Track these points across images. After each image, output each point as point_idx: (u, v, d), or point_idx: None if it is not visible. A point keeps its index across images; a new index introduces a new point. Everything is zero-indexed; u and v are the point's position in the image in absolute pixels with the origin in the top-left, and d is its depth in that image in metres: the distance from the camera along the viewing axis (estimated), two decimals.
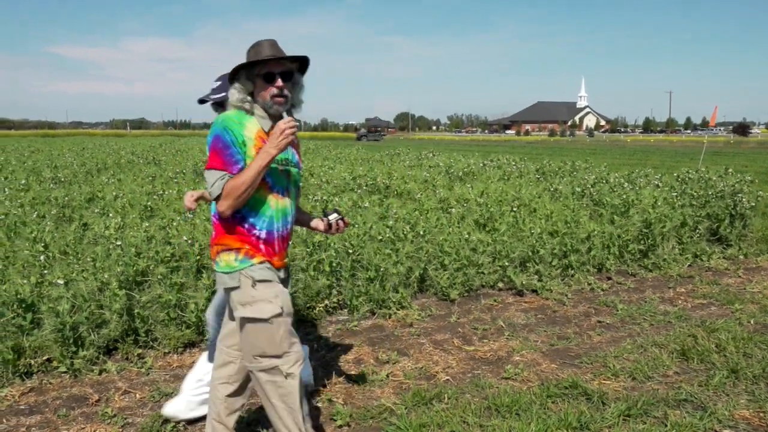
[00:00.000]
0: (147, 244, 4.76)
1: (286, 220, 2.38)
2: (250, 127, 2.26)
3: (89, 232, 5.79)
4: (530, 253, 5.55)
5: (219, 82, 2.82)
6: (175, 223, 5.64)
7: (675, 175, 9.95)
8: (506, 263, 5.36)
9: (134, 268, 4.22)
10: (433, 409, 3.07)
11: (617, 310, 4.72)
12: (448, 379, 3.49)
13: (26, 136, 59.68)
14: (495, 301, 5.00)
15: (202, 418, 3.03)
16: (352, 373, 3.56)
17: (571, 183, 9.81)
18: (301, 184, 2.62)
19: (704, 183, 8.43)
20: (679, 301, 5.00)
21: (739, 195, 7.29)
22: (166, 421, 2.96)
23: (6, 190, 8.89)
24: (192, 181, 10.11)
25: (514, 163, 13.76)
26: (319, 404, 3.19)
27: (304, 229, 3.06)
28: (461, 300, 5.01)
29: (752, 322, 4.41)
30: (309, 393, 3.21)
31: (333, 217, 2.52)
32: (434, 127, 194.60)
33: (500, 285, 5.31)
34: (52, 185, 10.55)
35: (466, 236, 5.57)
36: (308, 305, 4.53)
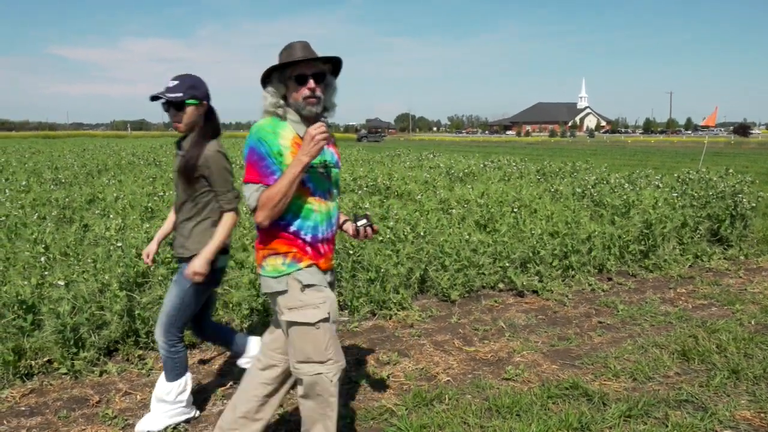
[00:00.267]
0: (147, 245, 4.75)
1: (330, 222, 2.36)
2: (285, 134, 2.23)
3: (90, 233, 5.80)
4: (531, 254, 5.55)
5: (176, 82, 2.69)
6: None
7: (675, 175, 9.95)
8: (507, 264, 5.36)
9: (135, 270, 4.22)
10: (434, 410, 3.07)
11: (618, 311, 4.72)
12: (448, 380, 3.49)
13: (27, 137, 59.81)
14: (495, 301, 5.00)
15: (206, 419, 3.04)
16: (353, 374, 3.56)
17: (571, 184, 9.81)
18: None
19: (705, 183, 8.42)
20: (680, 302, 5.00)
21: (740, 195, 7.28)
22: None
23: (7, 191, 8.90)
24: None
25: (514, 164, 13.77)
26: None
27: None
28: (462, 301, 5.01)
29: (753, 322, 4.40)
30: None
31: (361, 223, 2.48)
32: (435, 128, 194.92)
33: (501, 286, 5.30)
34: (52, 186, 10.56)
35: (467, 237, 5.57)
36: None
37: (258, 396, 2.46)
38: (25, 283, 3.95)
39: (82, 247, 5.24)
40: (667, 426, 2.89)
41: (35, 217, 6.71)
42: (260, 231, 2.32)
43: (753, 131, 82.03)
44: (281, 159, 2.19)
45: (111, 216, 6.77)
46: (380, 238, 5.33)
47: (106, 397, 3.29)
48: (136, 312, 3.85)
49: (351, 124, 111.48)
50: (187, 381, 2.91)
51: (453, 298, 4.96)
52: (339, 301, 4.72)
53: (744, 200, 7.13)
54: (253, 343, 3.21)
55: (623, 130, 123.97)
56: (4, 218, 6.41)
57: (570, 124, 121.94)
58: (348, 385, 3.41)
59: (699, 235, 6.73)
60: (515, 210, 6.96)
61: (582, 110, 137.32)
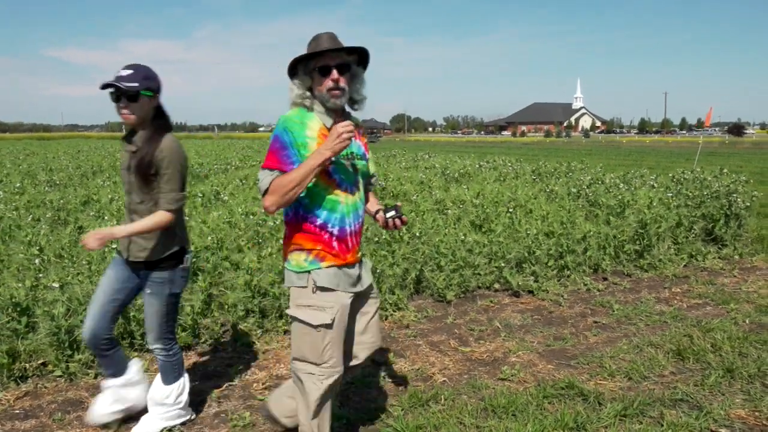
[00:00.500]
0: None
1: (357, 214, 2.35)
2: (312, 126, 2.22)
3: (84, 235, 5.78)
4: (526, 254, 5.55)
5: (131, 71, 2.50)
6: None
7: (670, 175, 9.98)
8: (502, 264, 5.36)
9: None
10: (430, 411, 3.07)
11: (613, 311, 4.73)
12: (444, 381, 3.49)
13: (21, 139, 59.60)
14: (491, 302, 5.00)
15: (201, 421, 3.03)
16: (348, 375, 3.55)
17: (566, 184, 9.83)
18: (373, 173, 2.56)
19: (699, 183, 8.45)
20: (675, 301, 5.01)
21: (734, 195, 7.31)
22: None
23: (1, 193, 8.86)
24: (188, 183, 10.07)
25: (510, 164, 13.78)
26: None
27: None
28: (457, 301, 5.01)
29: (747, 321, 4.42)
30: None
31: (390, 214, 2.44)
32: (430, 129, 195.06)
33: (496, 286, 5.31)
34: (47, 188, 10.52)
35: (462, 237, 5.58)
36: None
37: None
38: (20, 285, 3.93)
39: (76, 249, 5.22)
40: (662, 425, 2.90)
41: (29, 219, 6.68)
42: (287, 225, 2.32)
43: (747, 131, 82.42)
44: (304, 152, 2.17)
45: (106, 218, 6.74)
46: (376, 239, 5.34)
47: None
48: (131, 314, 3.84)
49: None
50: (185, 383, 2.90)
51: (449, 298, 4.96)
52: None
53: (738, 200, 7.16)
54: (134, 367, 2.96)
55: (618, 130, 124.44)
56: None
57: (565, 124, 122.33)
58: (344, 386, 3.40)
59: (694, 235, 6.76)
60: (511, 210, 6.97)
61: (577, 110, 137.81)
